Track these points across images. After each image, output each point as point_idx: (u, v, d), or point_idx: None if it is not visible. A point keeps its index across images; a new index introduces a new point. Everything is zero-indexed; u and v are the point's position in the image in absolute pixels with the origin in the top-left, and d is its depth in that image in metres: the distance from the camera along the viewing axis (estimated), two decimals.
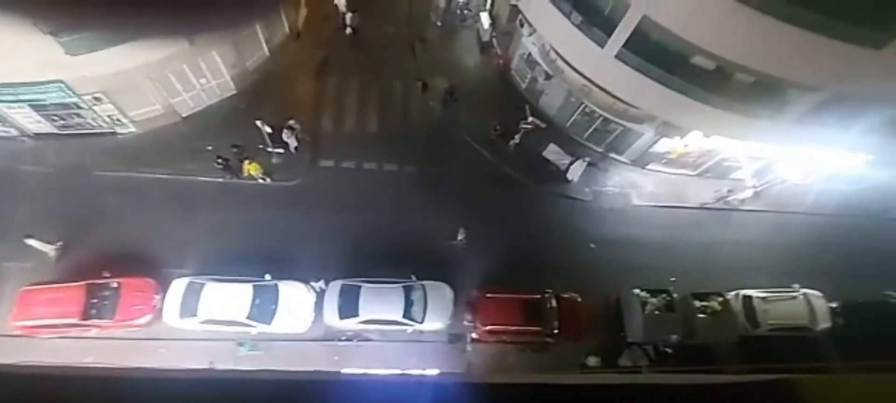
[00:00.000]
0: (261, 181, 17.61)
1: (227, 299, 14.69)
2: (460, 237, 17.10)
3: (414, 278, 15.80)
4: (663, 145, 18.77)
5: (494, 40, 21.60)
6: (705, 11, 13.11)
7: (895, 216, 21.38)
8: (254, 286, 15.01)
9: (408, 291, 15.43)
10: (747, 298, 17.07)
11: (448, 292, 15.86)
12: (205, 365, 14.31)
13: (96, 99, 16.03)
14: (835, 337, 17.20)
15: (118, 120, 17.30)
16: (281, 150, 18.08)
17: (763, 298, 17.06)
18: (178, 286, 14.92)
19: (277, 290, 15.17)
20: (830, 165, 18.61)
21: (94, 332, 14.60)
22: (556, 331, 15.54)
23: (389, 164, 18.85)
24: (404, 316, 15.09)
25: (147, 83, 16.59)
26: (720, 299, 16.66)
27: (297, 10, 21.04)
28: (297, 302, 15.25)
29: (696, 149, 18.97)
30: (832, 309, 17.38)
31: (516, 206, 18.56)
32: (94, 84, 15.48)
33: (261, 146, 17.74)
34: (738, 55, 13.93)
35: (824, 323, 17.08)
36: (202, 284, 14.84)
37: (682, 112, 16.21)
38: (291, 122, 17.76)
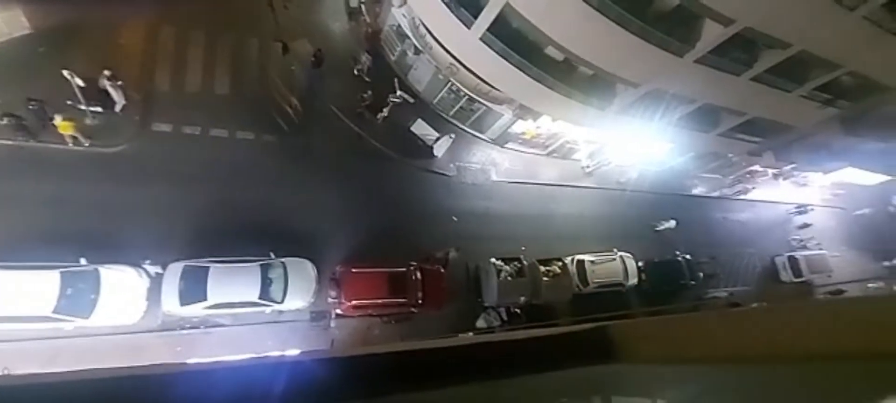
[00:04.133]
0: (72, 143, 14.34)
1: (25, 290, 11.85)
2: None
3: (272, 255, 14.72)
4: (519, 126, 20.50)
5: (363, 7, 20.78)
6: (558, 7, 14.45)
7: (688, 192, 27.01)
8: (63, 273, 12.36)
9: (265, 270, 14.33)
10: (580, 262, 19.99)
11: (310, 268, 15.17)
12: None
13: None
14: (640, 290, 21.27)
15: None
16: (99, 109, 14.87)
17: (592, 261, 20.17)
18: None
19: (98, 276, 12.75)
20: (645, 150, 22.53)
21: None
22: (420, 302, 16.10)
23: (244, 132, 16.91)
24: (261, 297, 14.01)
25: None
26: (560, 263, 19.17)
27: None
28: (124, 290, 13.04)
29: (546, 131, 21.18)
30: (639, 268, 21.34)
31: (382, 180, 18.46)
32: None
33: (70, 102, 14.33)
34: (582, 50, 15.82)
35: (634, 279, 20.93)
36: None
37: (536, 97, 17.84)
38: (107, 73, 14.56)
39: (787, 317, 2.10)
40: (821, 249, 28.84)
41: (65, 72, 13.55)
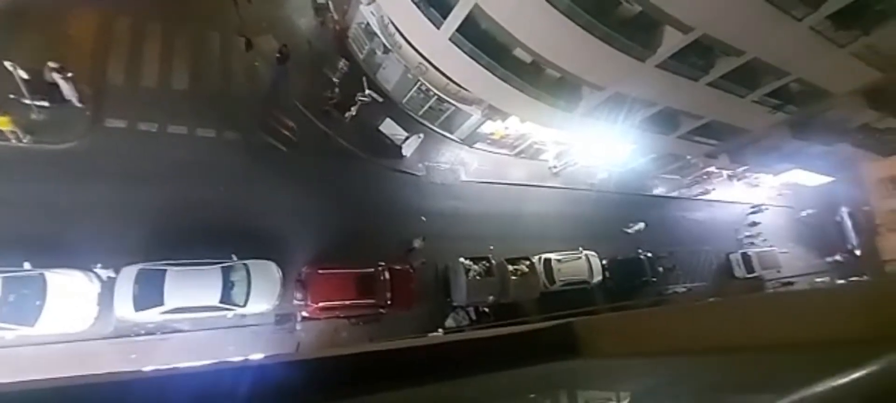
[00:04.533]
0: (14, 139, 13.42)
1: None
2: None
3: (234, 257, 14.23)
4: (488, 127, 20.68)
5: (330, 3, 20.41)
6: (526, 10, 14.66)
7: (648, 192, 27.99)
8: (5, 278, 11.56)
9: (227, 272, 13.84)
10: (547, 260, 20.36)
11: (275, 270, 14.75)
12: None
13: None
14: (605, 287, 21.88)
15: None
16: (45, 103, 13.96)
17: (558, 259, 20.58)
18: None
19: (43, 281, 11.96)
20: (610, 151, 23.18)
21: None
22: (389, 302, 15.98)
23: (204, 130, 16.25)
24: (223, 301, 13.52)
25: None
26: (527, 262, 19.46)
27: None
28: (73, 295, 12.30)
29: (514, 132, 21.46)
30: (603, 266, 21.95)
31: (350, 180, 18.20)
32: None
33: (13, 96, 13.38)
34: (549, 52, 16.11)
35: (598, 277, 21.50)
36: None
37: (504, 98, 18.04)
38: (54, 65, 13.53)
39: (740, 310, 2.21)
40: (770, 246, 30.54)
41: (7, 64, 12.61)
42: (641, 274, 23.32)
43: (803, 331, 1.61)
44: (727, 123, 22.21)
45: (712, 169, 29.09)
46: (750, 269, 28.31)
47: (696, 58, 16.94)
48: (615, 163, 24.90)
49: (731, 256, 29.10)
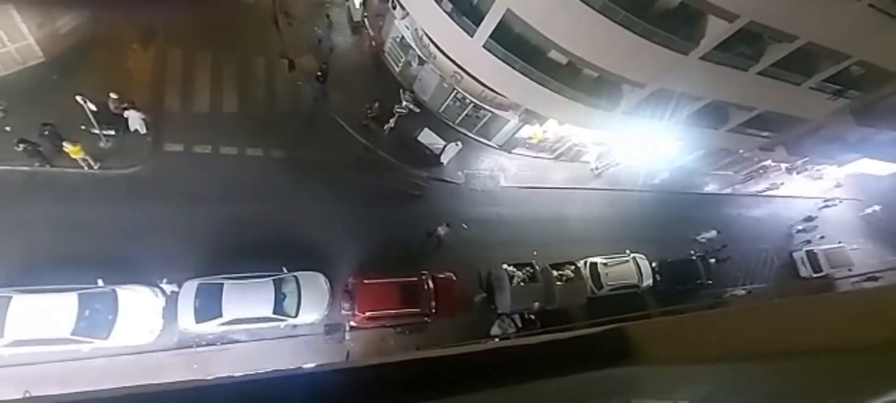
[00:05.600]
0: (86, 167, 14.65)
1: (44, 313, 12.05)
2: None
3: (285, 270, 14.81)
4: (526, 131, 20.49)
5: (366, 20, 21.02)
6: (559, 10, 14.47)
7: (697, 191, 26.75)
8: (81, 294, 12.55)
9: (279, 284, 14.41)
10: (593, 265, 19.77)
11: (323, 282, 15.23)
12: (18, 396, 11.60)
13: None
14: (656, 291, 20.99)
15: None
16: (112, 132, 15.20)
17: (605, 263, 19.95)
18: None
19: (115, 297, 12.92)
20: (653, 150, 22.35)
21: None
22: (433, 310, 16.05)
23: (253, 149, 17.16)
24: (276, 312, 14.08)
25: None
26: (573, 267, 18.97)
27: None
28: (141, 309, 13.18)
29: (553, 135, 21.14)
30: (653, 269, 21.08)
31: (391, 190, 18.52)
32: None
33: (84, 127, 14.66)
34: (585, 52, 15.79)
35: (648, 280, 20.65)
36: (7, 298, 11.92)
37: (541, 101, 17.83)
38: (114, 96, 14.88)
39: (808, 311, 2.07)
40: (839, 243, 28.24)
41: (78, 98, 13.84)
42: (695, 276, 22.17)
43: (879, 333, 1.49)
44: (782, 113, 20.88)
45: (768, 162, 27.38)
46: (817, 268, 26.24)
47: (744, 47, 16.07)
48: (661, 162, 23.96)
49: (795, 254, 27.12)
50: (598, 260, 19.98)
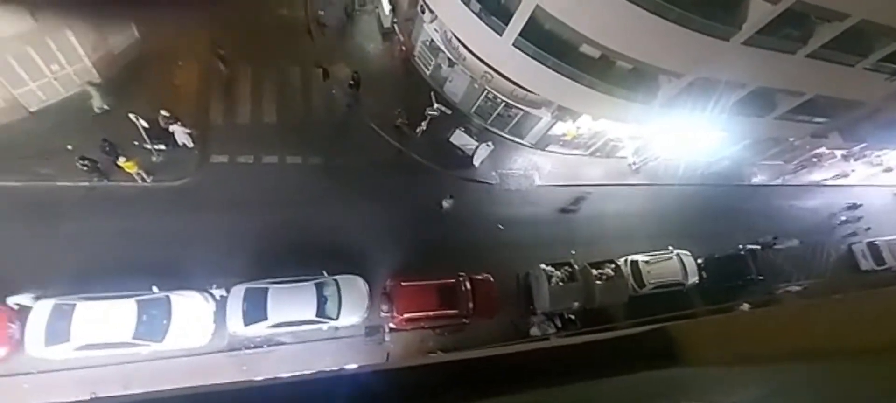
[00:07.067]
0: (140, 180, 15.58)
1: (106, 319, 12.89)
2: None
3: (325, 273, 15.21)
4: (559, 128, 20.15)
5: (396, 26, 21.31)
6: (589, 2, 14.17)
7: (744, 182, 25.48)
8: (138, 301, 13.35)
9: (320, 288, 14.82)
10: (634, 263, 19.19)
11: (362, 284, 15.56)
12: (85, 397, 12.47)
13: None
14: (702, 288, 20.12)
15: None
16: (162, 147, 16.11)
17: (646, 261, 19.31)
18: (41, 310, 12.75)
19: (169, 303, 13.66)
20: (694, 142, 21.46)
21: None
22: (471, 311, 16.05)
23: (292, 157, 17.77)
24: (318, 315, 14.49)
25: None
26: (613, 266, 18.48)
27: None
28: (193, 314, 13.89)
29: (587, 131, 20.68)
30: (699, 265, 20.21)
31: (425, 192, 18.66)
32: None
33: (137, 143, 15.61)
34: (618, 44, 15.38)
35: (693, 278, 19.83)
36: (72, 305, 12.84)
37: (574, 97, 17.50)
38: (164, 113, 15.80)
39: (870, 306, 1.94)
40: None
41: (130, 115, 14.77)
42: (744, 272, 21.11)
43: None
44: (835, 97, 19.58)
45: (822, 150, 25.73)
46: (880, 261, 24.45)
47: (790, 29, 15.16)
48: (703, 154, 22.97)
49: (855, 247, 25.35)
50: (639, 257, 19.37)
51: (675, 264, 19.68)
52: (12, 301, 12.90)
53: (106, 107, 15.80)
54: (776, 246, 22.42)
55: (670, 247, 20.06)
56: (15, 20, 13.20)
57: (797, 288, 22.74)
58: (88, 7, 15.16)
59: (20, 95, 15.10)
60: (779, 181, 26.57)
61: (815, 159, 26.60)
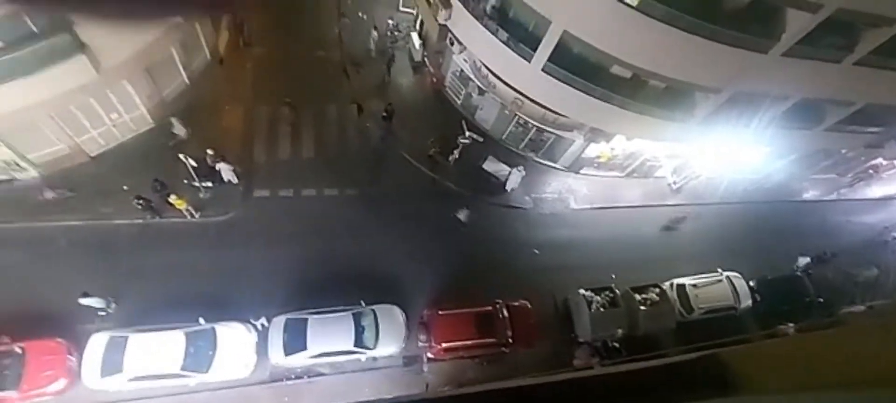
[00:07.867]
0: (189, 216, 16.44)
1: (157, 350, 13.43)
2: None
3: (363, 303, 15.35)
4: (593, 150, 19.90)
5: (426, 59, 21.94)
6: (618, 24, 14.12)
7: (792, 198, 24.16)
8: (186, 332, 13.85)
9: (357, 318, 14.94)
10: (681, 286, 18.29)
11: (399, 314, 15.56)
12: None
13: None
14: (756, 312, 18.93)
15: (16, 164, 15.50)
16: (209, 184, 17.02)
17: (694, 285, 18.36)
18: (98, 342, 13.44)
19: (214, 334, 14.10)
20: (736, 158, 20.64)
21: None
22: (510, 340, 15.71)
23: (329, 189, 18.35)
24: (356, 345, 14.56)
25: (47, 121, 15.05)
26: (657, 290, 17.71)
27: (217, 33, 20.07)
28: (237, 345, 14.24)
29: (622, 151, 20.32)
30: (751, 288, 19.08)
31: (460, 220, 18.71)
32: None
33: (186, 181, 16.59)
34: (650, 64, 15.18)
35: (746, 301, 18.70)
36: (126, 337, 13.47)
37: (606, 118, 17.31)
38: (210, 152, 16.76)
39: None
40: None
41: (181, 156, 15.76)
42: (802, 293, 19.76)
43: None
44: (889, 105, 18.46)
45: (879, 161, 24.16)
46: None
47: (834, 37, 14.53)
48: (748, 171, 22.03)
49: None
50: (686, 281, 18.47)
51: (725, 287, 18.66)
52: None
53: (183, 134, 17.40)
54: (855, 278, 21.05)
55: (719, 269, 19.10)
56: (80, 73, 14.45)
57: (861, 308, 21.05)
58: (144, 57, 16.42)
59: (83, 142, 16.44)
60: (833, 196, 25.04)
61: (871, 171, 24.97)
